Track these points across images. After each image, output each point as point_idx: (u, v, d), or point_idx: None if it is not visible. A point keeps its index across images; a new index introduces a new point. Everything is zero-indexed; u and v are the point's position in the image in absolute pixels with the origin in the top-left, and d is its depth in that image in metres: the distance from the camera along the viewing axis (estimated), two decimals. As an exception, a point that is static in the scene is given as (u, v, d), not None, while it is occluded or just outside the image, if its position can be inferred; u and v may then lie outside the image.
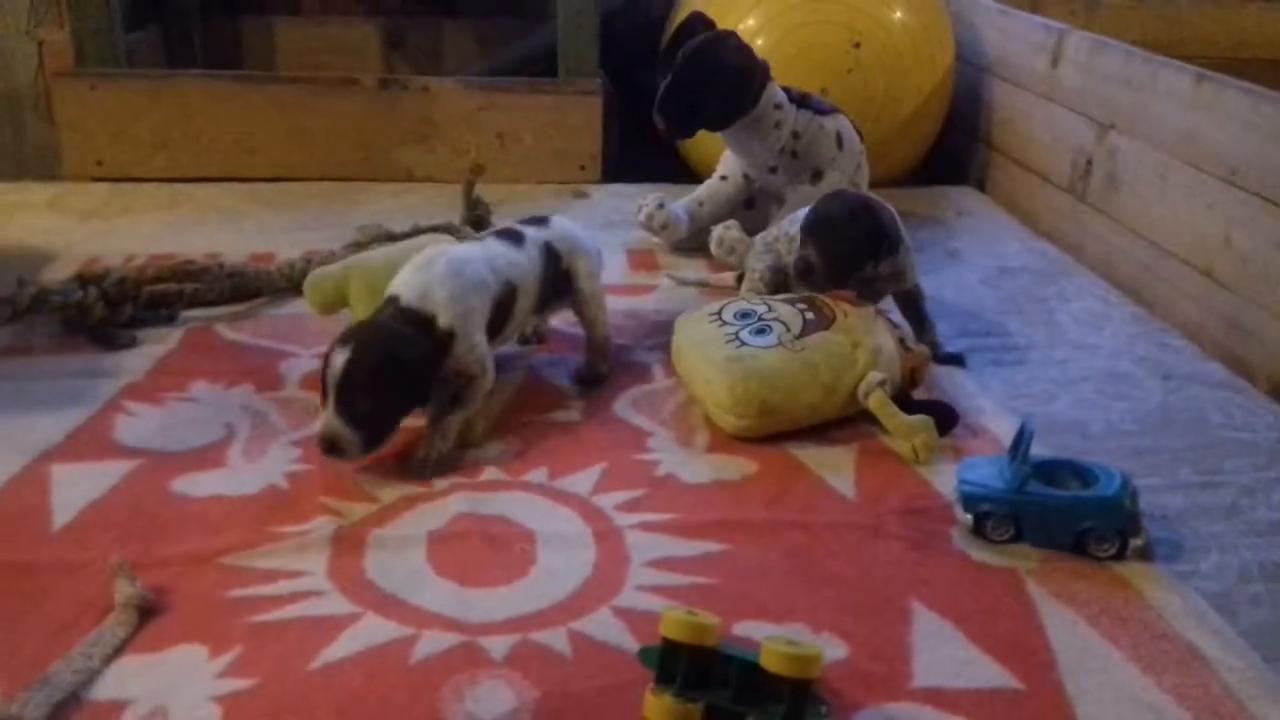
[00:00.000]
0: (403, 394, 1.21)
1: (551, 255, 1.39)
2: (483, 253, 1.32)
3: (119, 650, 0.94)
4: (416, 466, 1.22)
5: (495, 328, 1.31)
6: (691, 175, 2.23)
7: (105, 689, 0.90)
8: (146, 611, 0.98)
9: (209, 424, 1.30)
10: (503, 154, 2.25)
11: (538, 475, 1.23)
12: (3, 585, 1.02)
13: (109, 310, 1.50)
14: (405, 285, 1.25)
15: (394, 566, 1.07)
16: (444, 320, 1.23)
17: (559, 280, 1.41)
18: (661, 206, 1.87)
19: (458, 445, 1.26)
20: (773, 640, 0.87)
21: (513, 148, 2.26)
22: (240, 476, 1.20)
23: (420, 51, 2.73)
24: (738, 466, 1.26)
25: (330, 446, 1.16)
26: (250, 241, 1.86)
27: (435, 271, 1.26)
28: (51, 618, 0.98)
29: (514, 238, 1.37)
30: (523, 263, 1.35)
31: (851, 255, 1.45)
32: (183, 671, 0.92)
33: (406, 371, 1.19)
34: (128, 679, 0.91)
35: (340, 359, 1.16)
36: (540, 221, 1.44)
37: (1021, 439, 1.13)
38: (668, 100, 1.73)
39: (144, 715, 0.87)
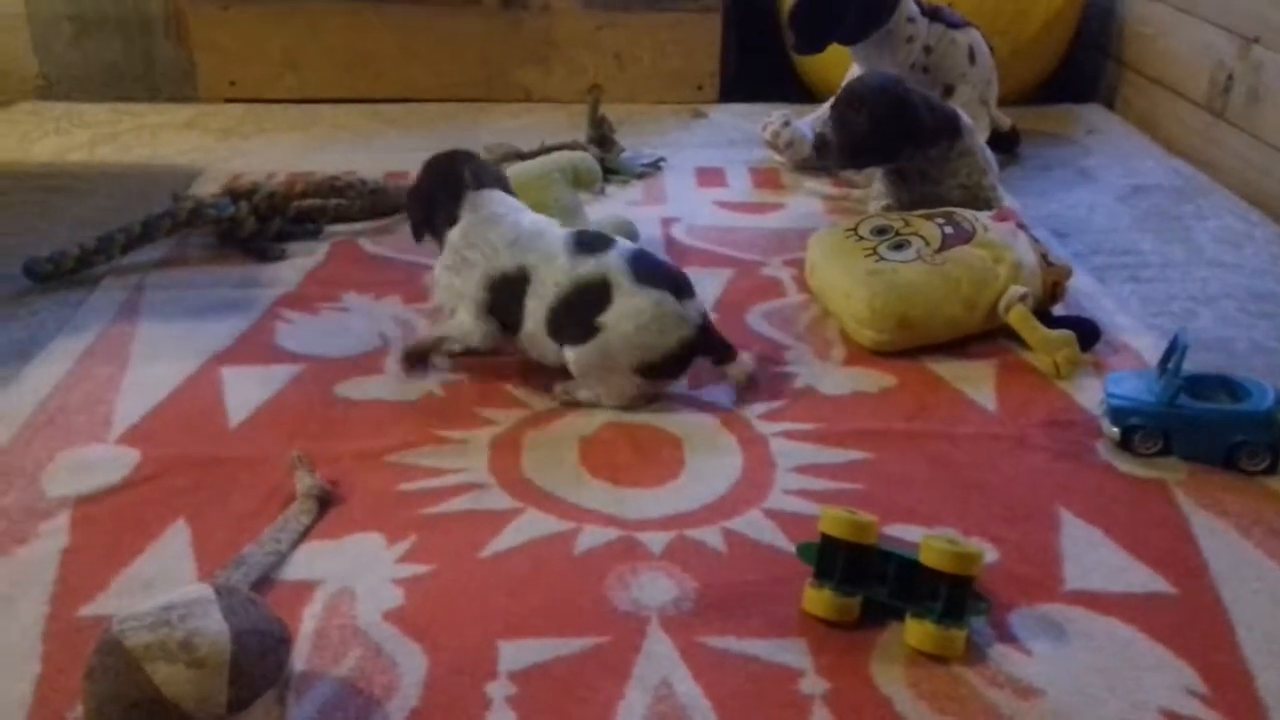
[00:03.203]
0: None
1: (588, 289, 1.18)
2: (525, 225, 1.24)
3: (304, 536, 1.00)
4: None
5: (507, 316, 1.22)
6: (808, 94, 2.21)
7: (295, 570, 0.97)
8: (325, 502, 1.05)
9: (363, 333, 1.36)
10: (620, 74, 2.25)
11: (678, 386, 1.25)
12: (191, 477, 1.09)
13: (260, 224, 1.56)
14: None
15: (549, 467, 1.11)
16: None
17: (583, 323, 1.18)
18: (787, 124, 1.87)
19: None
20: (932, 538, 0.90)
21: (630, 67, 2.26)
22: (398, 383, 1.25)
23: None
24: (876, 379, 1.27)
25: None
26: (381, 160, 1.90)
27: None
28: (238, 506, 1.04)
29: (597, 245, 1.22)
30: (558, 257, 1.21)
31: (869, 135, 1.42)
32: (364, 557, 0.98)
33: None
34: (315, 563, 0.98)
35: None
36: (651, 275, 1.19)
37: (1174, 351, 1.12)
38: (802, 13, 1.72)
39: (333, 594, 0.94)
